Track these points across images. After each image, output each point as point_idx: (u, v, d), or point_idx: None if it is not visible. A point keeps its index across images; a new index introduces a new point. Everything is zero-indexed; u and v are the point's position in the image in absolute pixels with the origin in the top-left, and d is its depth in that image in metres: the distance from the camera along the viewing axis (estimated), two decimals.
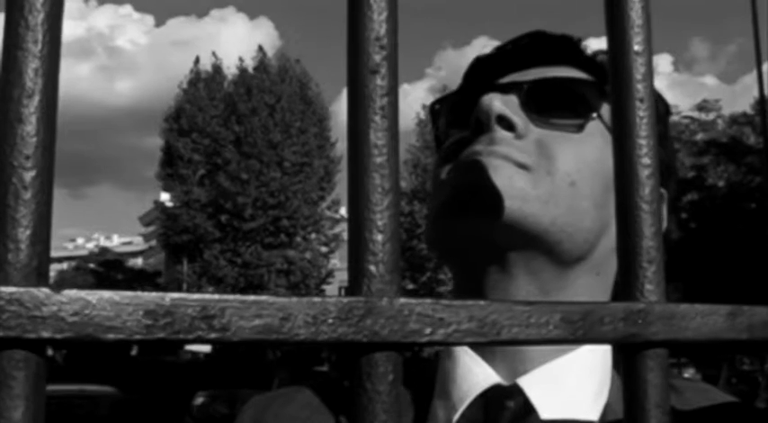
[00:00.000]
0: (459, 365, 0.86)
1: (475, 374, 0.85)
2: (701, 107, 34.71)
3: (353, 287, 0.33)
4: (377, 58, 0.34)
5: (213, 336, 0.30)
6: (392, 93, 0.34)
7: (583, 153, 0.88)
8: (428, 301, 0.33)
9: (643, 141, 0.40)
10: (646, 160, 0.40)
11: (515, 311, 0.34)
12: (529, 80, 0.92)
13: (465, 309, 0.33)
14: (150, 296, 0.30)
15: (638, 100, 0.40)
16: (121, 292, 0.30)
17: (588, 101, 0.92)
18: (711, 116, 34.79)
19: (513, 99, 0.90)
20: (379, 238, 0.33)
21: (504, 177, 0.84)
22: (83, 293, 0.29)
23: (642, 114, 0.40)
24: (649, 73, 0.40)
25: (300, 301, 0.31)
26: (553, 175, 0.86)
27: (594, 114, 0.91)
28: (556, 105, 0.91)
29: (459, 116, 0.95)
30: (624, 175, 0.40)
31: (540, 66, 0.96)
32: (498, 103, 0.88)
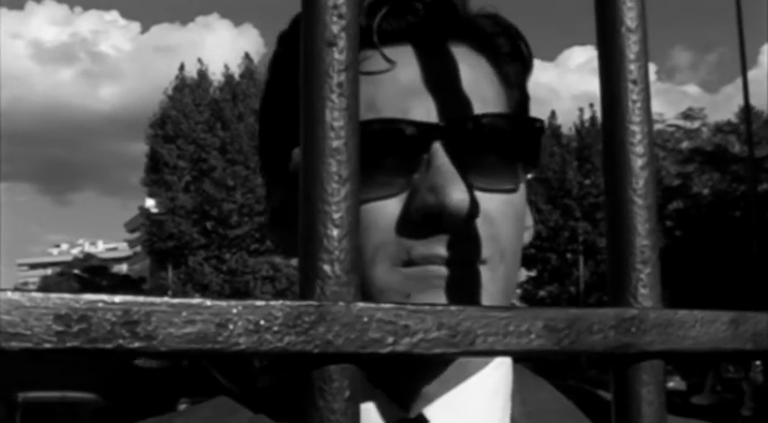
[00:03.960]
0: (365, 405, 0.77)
1: (374, 409, 0.77)
2: (686, 115, 34.89)
3: (305, 289, 0.29)
4: (334, 28, 0.30)
5: (137, 345, 0.26)
6: (351, 68, 0.30)
7: (517, 211, 0.78)
8: (390, 305, 0.29)
9: (636, 128, 0.35)
10: (640, 149, 0.35)
11: (492, 318, 0.30)
12: (468, 126, 0.75)
13: (433, 315, 0.29)
14: (62, 298, 0.25)
15: (630, 82, 0.36)
16: (29, 293, 0.25)
17: (524, 150, 0.78)
18: (696, 124, 34.99)
19: (447, 163, 0.74)
20: (335, 233, 0.29)
21: (472, 293, 0.74)
22: None
23: (636, 98, 0.36)
24: (644, 51, 0.36)
25: (240, 305, 0.27)
26: (504, 257, 0.76)
27: (531, 172, 0.78)
28: (492, 159, 0.76)
29: (379, 149, 0.74)
30: (616, 166, 0.35)
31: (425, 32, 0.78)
32: (467, 200, 0.72)
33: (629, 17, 0.36)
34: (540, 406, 0.81)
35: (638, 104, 0.36)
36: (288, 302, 0.27)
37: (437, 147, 0.74)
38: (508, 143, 0.77)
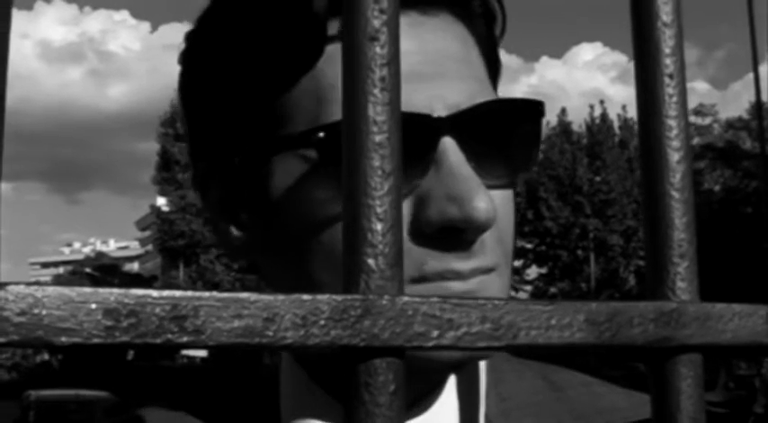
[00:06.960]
0: (312, 407, 0.73)
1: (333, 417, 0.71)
2: (698, 111, 34.80)
3: (349, 284, 0.29)
4: (376, 23, 0.30)
5: (185, 339, 0.26)
6: (393, 62, 0.30)
7: (513, 207, 0.72)
8: (435, 299, 0.29)
9: (673, 122, 0.35)
10: (676, 143, 0.35)
11: (534, 312, 0.30)
12: (473, 118, 0.66)
13: (477, 309, 0.29)
14: (111, 292, 0.26)
15: (666, 76, 0.36)
16: (78, 288, 0.26)
17: (525, 138, 0.71)
18: (707, 121, 34.92)
19: (460, 155, 0.65)
20: (379, 227, 0.29)
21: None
22: (31, 289, 0.25)
23: (672, 92, 0.36)
24: (679, 46, 0.36)
25: (287, 299, 0.27)
26: (508, 261, 0.71)
27: (532, 162, 0.72)
28: (497, 152, 0.69)
29: None
30: (652, 161, 0.35)
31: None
32: (492, 211, 0.64)
33: (665, 11, 0.36)
34: (518, 402, 0.75)
35: (675, 98, 0.36)
36: (334, 296, 0.27)
37: (447, 144, 0.65)
38: (510, 131, 0.69)
